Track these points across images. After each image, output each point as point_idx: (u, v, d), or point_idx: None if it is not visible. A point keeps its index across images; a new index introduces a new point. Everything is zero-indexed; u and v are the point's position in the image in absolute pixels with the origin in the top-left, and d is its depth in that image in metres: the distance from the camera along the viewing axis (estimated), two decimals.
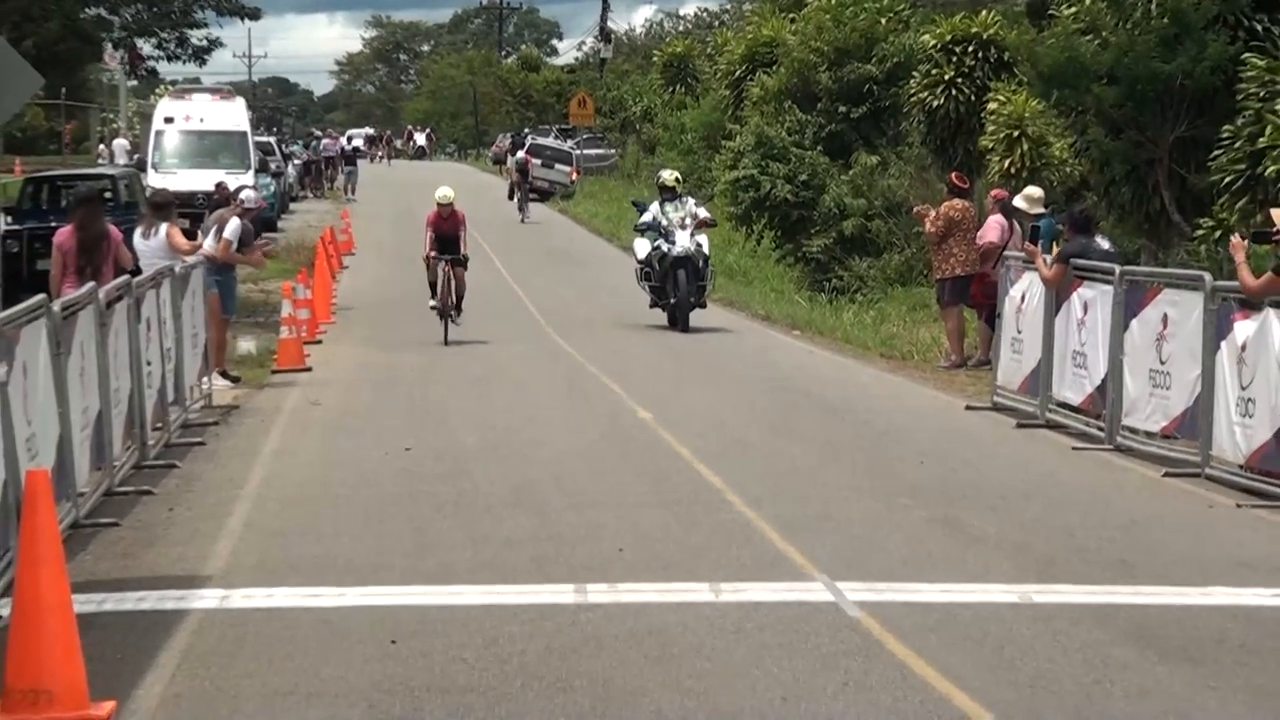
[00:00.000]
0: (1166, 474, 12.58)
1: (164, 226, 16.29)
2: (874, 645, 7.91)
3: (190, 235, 17.33)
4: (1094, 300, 14.29)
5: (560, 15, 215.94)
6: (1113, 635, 8.17)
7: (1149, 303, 13.41)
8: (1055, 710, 7.07)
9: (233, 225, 17.62)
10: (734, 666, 7.57)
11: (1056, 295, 15.00)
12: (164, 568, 9.50)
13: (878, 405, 16.49)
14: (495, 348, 21.08)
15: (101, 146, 66.09)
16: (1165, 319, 13.07)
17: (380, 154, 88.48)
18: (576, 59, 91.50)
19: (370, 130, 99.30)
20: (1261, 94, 20.38)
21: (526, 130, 72.50)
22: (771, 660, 7.65)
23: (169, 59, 38.75)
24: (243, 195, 19.07)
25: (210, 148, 37.05)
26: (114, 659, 7.62)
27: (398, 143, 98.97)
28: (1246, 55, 21.11)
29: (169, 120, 37.77)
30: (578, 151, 60.11)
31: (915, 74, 30.94)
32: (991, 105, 26.72)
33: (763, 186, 36.33)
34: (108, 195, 23.97)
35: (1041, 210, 18.02)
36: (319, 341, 21.39)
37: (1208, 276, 12.80)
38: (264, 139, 49.93)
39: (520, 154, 53.80)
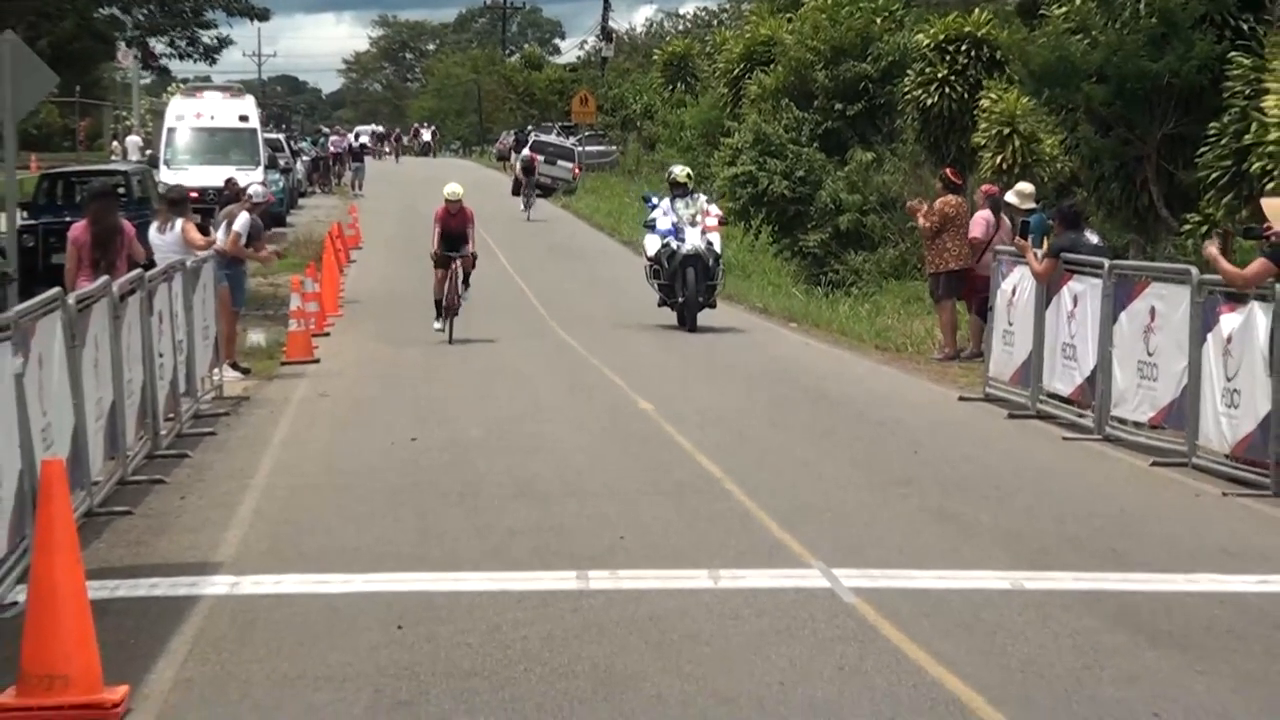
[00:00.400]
0: (1154, 463, 12.68)
1: (179, 221, 16.36)
2: (869, 631, 8.00)
3: (203, 231, 17.48)
4: (1083, 294, 14.38)
5: (562, 15, 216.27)
6: (1102, 621, 8.25)
7: (1137, 296, 13.48)
8: (1046, 694, 7.15)
9: (242, 219, 17.78)
10: (732, 652, 7.67)
11: (1047, 289, 15.11)
12: (176, 555, 9.60)
13: (873, 398, 16.59)
14: (499, 341, 21.14)
15: (115, 143, 66.05)
16: (1153, 312, 13.16)
17: (389, 151, 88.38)
18: (578, 58, 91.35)
19: (379, 128, 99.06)
20: (1247, 92, 20.55)
21: (530, 127, 72.37)
22: (769, 646, 7.74)
23: (180, 57, 38.70)
24: (250, 190, 19.23)
25: (221, 144, 37.11)
26: (127, 644, 7.70)
27: (405, 139, 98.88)
28: (1233, 54, 21.28)
29: (180, 117, 37.88)
30: (580, 148, 60.17)
31: (909, 72, 31.08)
32: (984, 103, 26.84)
33: (760, 182, 36.51)
34: (121, 191, 24.05)
35: (1032, 205, 18.11)
36: (327, 334, 21.53)
37: (1194, 270, 12.86)
38: (273, 136, 50.01)
39: (526, 152, 53.81)
